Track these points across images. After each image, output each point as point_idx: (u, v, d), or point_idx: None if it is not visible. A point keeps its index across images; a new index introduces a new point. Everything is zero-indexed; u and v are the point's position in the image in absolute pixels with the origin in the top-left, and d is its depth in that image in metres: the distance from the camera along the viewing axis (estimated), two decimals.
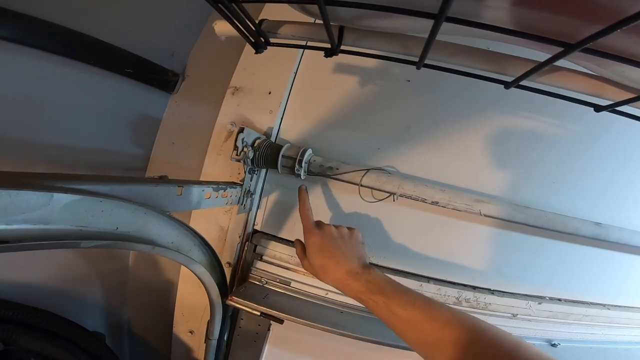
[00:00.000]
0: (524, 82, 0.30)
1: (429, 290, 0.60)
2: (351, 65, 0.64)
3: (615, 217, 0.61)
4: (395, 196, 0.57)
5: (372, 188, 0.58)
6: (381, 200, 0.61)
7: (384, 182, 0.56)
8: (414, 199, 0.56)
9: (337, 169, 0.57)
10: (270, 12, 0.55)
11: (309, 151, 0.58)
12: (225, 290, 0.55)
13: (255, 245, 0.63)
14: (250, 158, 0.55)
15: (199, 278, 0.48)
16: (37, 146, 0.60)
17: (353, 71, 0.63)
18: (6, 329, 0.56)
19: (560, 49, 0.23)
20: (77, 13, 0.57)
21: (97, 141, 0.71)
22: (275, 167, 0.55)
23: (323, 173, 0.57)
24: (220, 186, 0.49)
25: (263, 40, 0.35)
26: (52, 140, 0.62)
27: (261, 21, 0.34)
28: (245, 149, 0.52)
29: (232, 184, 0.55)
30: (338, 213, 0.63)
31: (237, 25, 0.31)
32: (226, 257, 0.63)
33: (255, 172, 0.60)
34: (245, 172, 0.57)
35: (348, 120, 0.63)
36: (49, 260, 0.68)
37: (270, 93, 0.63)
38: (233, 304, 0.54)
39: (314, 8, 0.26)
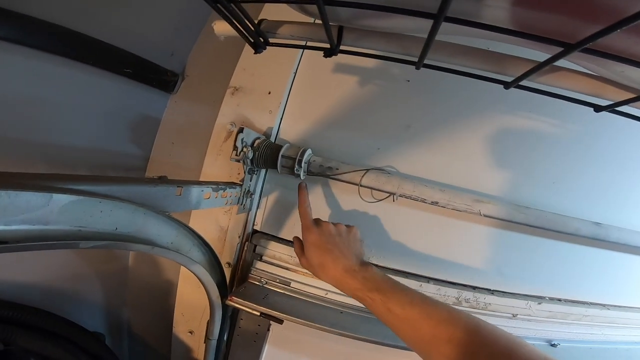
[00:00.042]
0: (523, 82, 0.30)
1: (429, 290, 0.60)
2: (351, 65, 0.64)
3: (615, 217, 0.61)
4: (394, 196, 0.57)
5: (371, 188, 0.58)
6: (381, 200, 0.61)
7: (383, 182, 0.56)
8: (413, 199, 0.56)
9: (337, 169, 0.57)
10: (269, 12, 0.55)
11: (309, 151, 0.58)
12: (225, 290, 0.55)
13: (255, 246, 0.63)
14: (250, 158, 0.55)
15: (199, 278, 0.48)
16: (37, 146, 0.60)
17: (353, 71, 0.63)
18: (6, 329, 0.56)
19: (560, 49, 0.23)
20: (77, 13, 0.57)
21: (96, 141, 0.71)
22: (275, 167, 0.55)
23: (323, 173, 0.57)
24: (219, 186, 0.49)
25: (262, 40, 0.35)
26: (51, 140, 0.62)
27: (260, 21, 0.34)
28: (244, 149, 0.52)
29: (231, 184, 0.55)
30: (338, 213, 0.63)
31: (236, 25, 0.31)
32: (226, 257, 0.63)
33: (255, 172, 0.60)
34: (244, 172, 0.57)
35: (348, 120, 0.63)
36: (49, 261, 0.68)
37: (269, 93, 0.63)
38: (233, 304, 0.54)
39: (313, 8, 0.26)
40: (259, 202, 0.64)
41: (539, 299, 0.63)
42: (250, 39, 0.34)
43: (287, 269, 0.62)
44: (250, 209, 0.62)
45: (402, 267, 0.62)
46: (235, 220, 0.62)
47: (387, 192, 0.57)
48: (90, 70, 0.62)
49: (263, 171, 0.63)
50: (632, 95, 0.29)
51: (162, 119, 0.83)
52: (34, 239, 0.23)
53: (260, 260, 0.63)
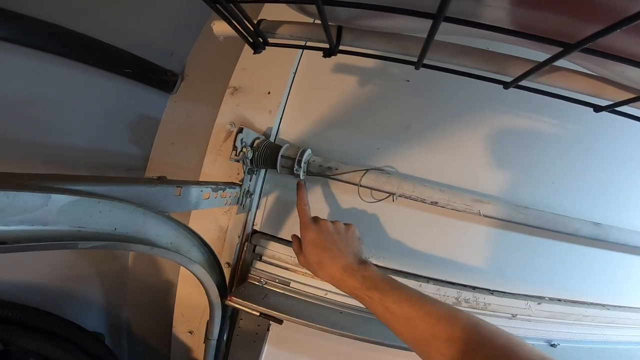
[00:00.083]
0: (523, 82, 0.30)
1: (428, 290, 0.60)
2: (350, 65, 0.64)
3: (615, 217, 0.61)
4: (394, 196, 0.57)
5: (371, 188, 0.58)
6: (380, 200, 0.61)
7: (383, 182, 0.56)
8: (413, 199, 0.56)
9: (336, 169, 0.57)
10: (268, 13, 0.55)
11: (308, 151, 0.57)
12: (224, 290, 0.55)
13: (255, 246, 0.63)
14: (250, 158, 0.55)
15: (198, 278, 0.47)
16: (36, 146, 0.60)
17: (352, 71, 0.63)
18: (5, 329, 0.56)
19: (559, 49, 0.23)
20: (76, 13, 0.57)
21: (96, 141, 0.71)
22: (275, 167, 0.55)
23: (322, 173, 0.57)
24: (219, 186, 0.49)
25: (261, 40, 0.35)
26: (51, 140, 0.62)
27: (259, 21, 0.34)
28: (244, 149, 0.52)
29: (231, 184, 0.55)
30: (337, 213, 0.63)
31: (235, 26, 0.31)
32: (225, 257, 0.63)
33: (255, 173, 0.60)
34: (244, 173, 0.57)
35: (347, 120, 0.63)
36: (48, 261, 0.68)
37: (269, 93, 0.63)
38: (232, 304, 0.54)
39: (312, 8, 0.26)
40: (258, 202, 0.64)
41: (539, 299, 0.63)
42: (250, 39, 0.34)
43: (286, 269, 0.62)
44: (249, 209, 0.62)
45: (401, 267, 0.62)
46: (235, 221, 0.62)
47: (387, 192, 0.57)
48: (90, 70, 0.62)
49: (262, 171, 0.63)
50: (631, 95, 0.29)
51: (162, 119, 0.83)
52: (33, 239, 0.23)
53: (260, 260, 0.63)
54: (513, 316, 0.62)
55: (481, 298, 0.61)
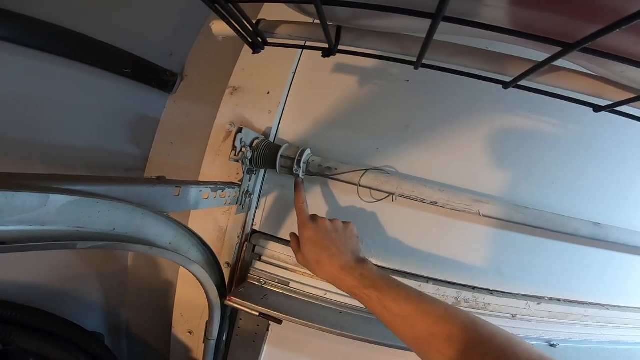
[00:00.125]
0: (522, 82, 0.30)
1: (428, 290, 0.60)
2: (350, 65, 0.63)
3: (615, 217, 0.61)
4: (394, 196, 0.57)
5: (370, 188, 0.58)
6: (380, 200, 0.61)
7: (382, 182, 0.56)
8: (412, 199, 0.56)
9: (336, 169, 0.57)
10: (268, 12, 0.55)
11: (308, 151, 0.57)
12: (224, 290, 0.55)
13: (254, 246, 0.63)
14: (249, 158, 0.55)
15: (198, 278, 0.47)
16: (36, 146, 0.60)
17: (351, 71, 0.63)
18: (5, 329, 0.56)
19: (559, 49, 0.23)
20: (76, 13, 0.57)
21: (95, 141, 0.71)
22: (274, 167, 0.55)
23: (322, 173, 0.57)
24: (218, 186, 0.49)
25: (260, 40, 0.35)
26: (50, 140, 0.62)
27: (258, 21, 0.34)
28: (243, 149, 0.52)
29: (230, 184, 0.55)
30: (337, 213, 0.63)
31: (234, 26, 0.31)
32: (225, 257, 0.63)
33: (254, 173, 0.60)
34: (243, 173, 0.57)
35: (347, 120, 0.63)
36: (48, 261, 0.68)
37: (268, 93, 0.63)
38: (232, 304, 0.54)
39: (311, 8, 0.26)
40: (257, 202, 0.64)
41: (538, 299, 0.63)
42: (249, 39, 0.34)
43: (286, 269, 0.62)
44: (249, 209, 0.62)
45: (401, 267, 0.62)
46: (234, 221, 0.62)
47: (386, 192, 0.57)
48: (90, 70, 0.62)
49: (262, 171, 0.63)
50: (631, 95, 0.28)
51: (161, 119, 0.83)
52: (32, 239, 0.23)
53: (259, 260, 0.63)
54: (513, 316, 0.62)
55: (481, 298, 0.61)
